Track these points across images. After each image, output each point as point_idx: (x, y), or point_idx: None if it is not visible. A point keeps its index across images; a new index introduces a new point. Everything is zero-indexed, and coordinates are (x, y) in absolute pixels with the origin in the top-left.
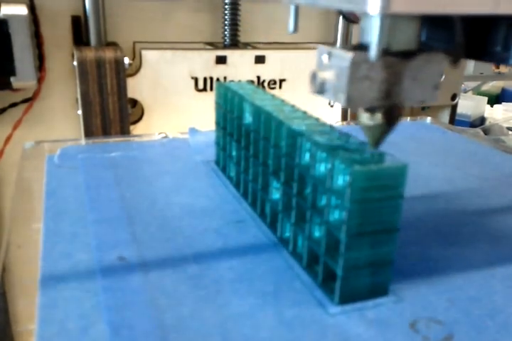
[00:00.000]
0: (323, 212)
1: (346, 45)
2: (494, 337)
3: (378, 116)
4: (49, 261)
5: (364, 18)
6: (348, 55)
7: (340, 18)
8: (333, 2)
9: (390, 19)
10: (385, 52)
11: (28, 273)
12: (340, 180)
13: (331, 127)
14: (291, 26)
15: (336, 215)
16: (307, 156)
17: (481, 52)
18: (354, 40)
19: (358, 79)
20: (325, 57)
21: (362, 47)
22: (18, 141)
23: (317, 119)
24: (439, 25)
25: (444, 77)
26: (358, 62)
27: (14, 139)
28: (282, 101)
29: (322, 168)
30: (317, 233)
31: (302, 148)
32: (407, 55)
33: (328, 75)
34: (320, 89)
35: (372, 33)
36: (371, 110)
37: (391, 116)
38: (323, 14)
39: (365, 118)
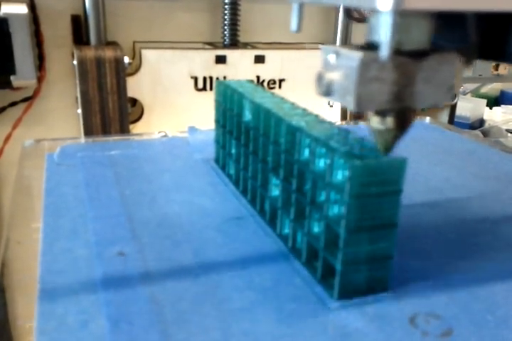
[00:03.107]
0: (322, 207)
1: (346, 44)
2: (493, 331)
3: (389, 120)
4: (49, 257)
5: (374, 16)
6: (357, 55)
7: (340, 17)
8: None
9: (402, 16)
10: (396, 52)
11: (27, 268)
12: (340, 175)
13: (330, 123)
14: (294, 25)
15: (335, 210)
16: (306, 152)
17: (497, 53)
18: (354, 40)
19: (368, 81)
20: (331, 57)
21: (371, 47)
22: (17, 140)
23: (316, 116)
24: (451, 24)
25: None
26: (367, 63)
27: (14, 138)
28: (282, 98)
29: (321, 163)
30: (316, 228)
31: (301, 144)
32: (419, 55)
33: (335, 76)
34: (327, 90)
35: (383, 32)
36: (382, 113)
37: (403, 119)
38: (323, 14)
39: (375, 122)
